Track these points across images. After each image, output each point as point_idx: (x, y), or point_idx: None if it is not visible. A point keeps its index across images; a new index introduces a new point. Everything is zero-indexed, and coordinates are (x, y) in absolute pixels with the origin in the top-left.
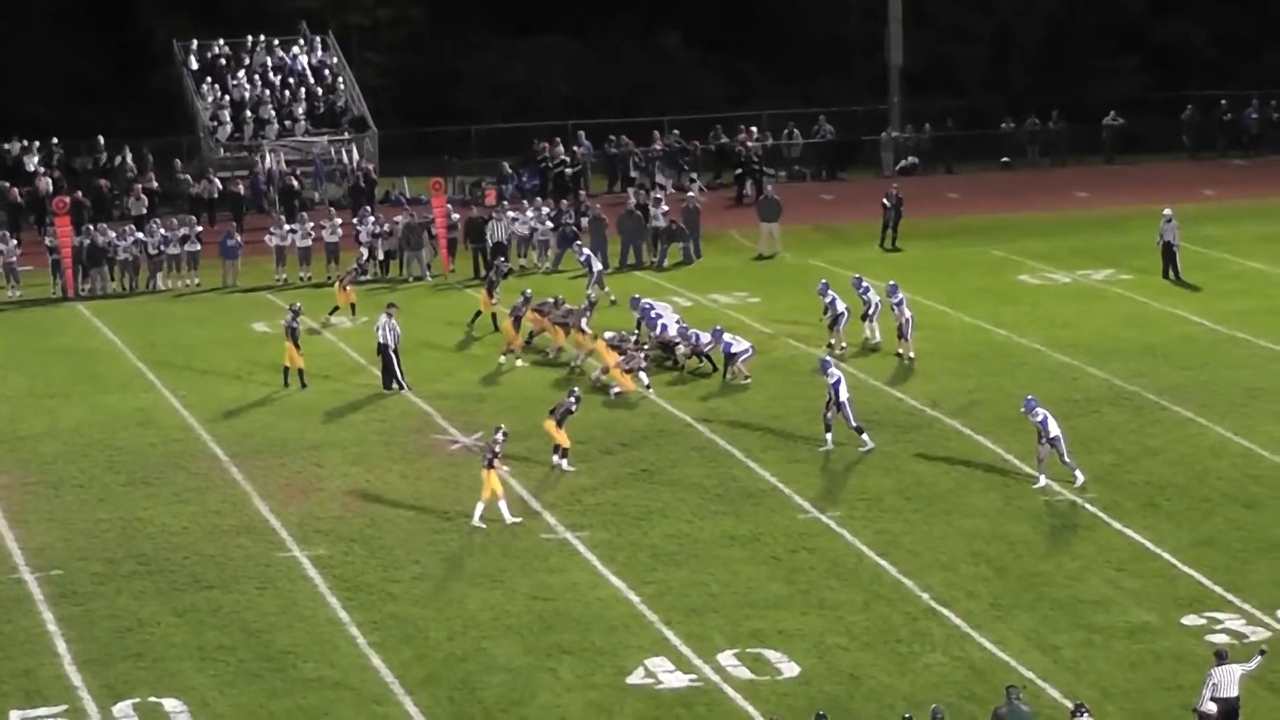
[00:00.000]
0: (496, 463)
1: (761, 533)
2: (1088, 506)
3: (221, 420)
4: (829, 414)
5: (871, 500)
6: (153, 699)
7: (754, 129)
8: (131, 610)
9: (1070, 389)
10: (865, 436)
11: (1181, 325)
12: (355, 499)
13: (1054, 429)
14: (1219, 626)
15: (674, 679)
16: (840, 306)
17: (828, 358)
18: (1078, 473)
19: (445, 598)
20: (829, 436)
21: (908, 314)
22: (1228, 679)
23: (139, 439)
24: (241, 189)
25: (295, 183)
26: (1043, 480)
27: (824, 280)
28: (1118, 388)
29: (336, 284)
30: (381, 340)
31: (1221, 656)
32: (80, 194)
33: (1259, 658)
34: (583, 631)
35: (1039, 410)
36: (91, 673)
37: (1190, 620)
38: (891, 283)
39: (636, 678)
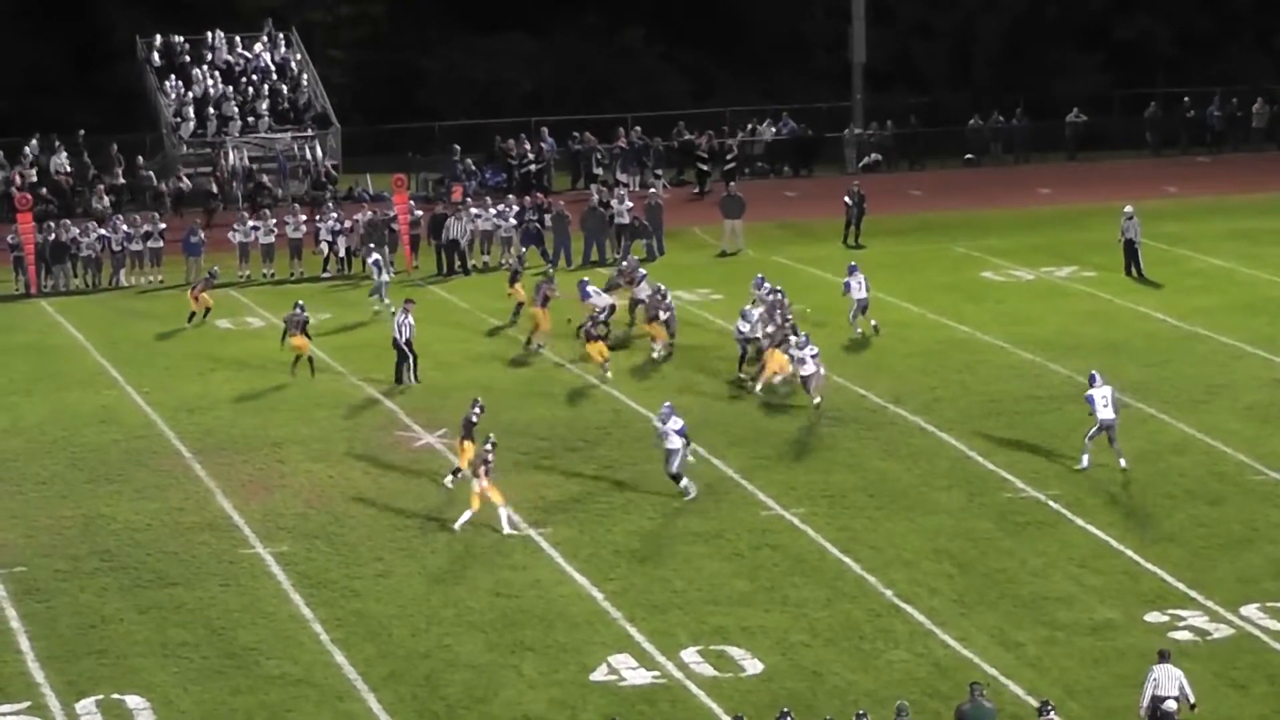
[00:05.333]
0: (483, 473)
1: (725, 529)
2: (1051, 504)
3: (184, 417)
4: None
5: (834, 497)
6: (116, 696)
7: (710, 132)
8: (94, 607)
9: (1033, 386)
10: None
11: (1144, 322)
12: (318, 496)
13: (1103, 412)
14: (1182, 623)
15: (637, 676)
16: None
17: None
18: (1121, 460)
19: (408, 595)
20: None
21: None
22: (1166, 678)
23: (102, 436)
24: (214, 186)
25: (265, 178)
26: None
27: (760, 274)
28: (1080, 385)
29: (189, 291)
30: (396, 335)
31: (1164, 655)
32: (44, 190)
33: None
34: (546, 629)
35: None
36: (54, 669)
37: (1153, 617)
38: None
39: (600, 675)
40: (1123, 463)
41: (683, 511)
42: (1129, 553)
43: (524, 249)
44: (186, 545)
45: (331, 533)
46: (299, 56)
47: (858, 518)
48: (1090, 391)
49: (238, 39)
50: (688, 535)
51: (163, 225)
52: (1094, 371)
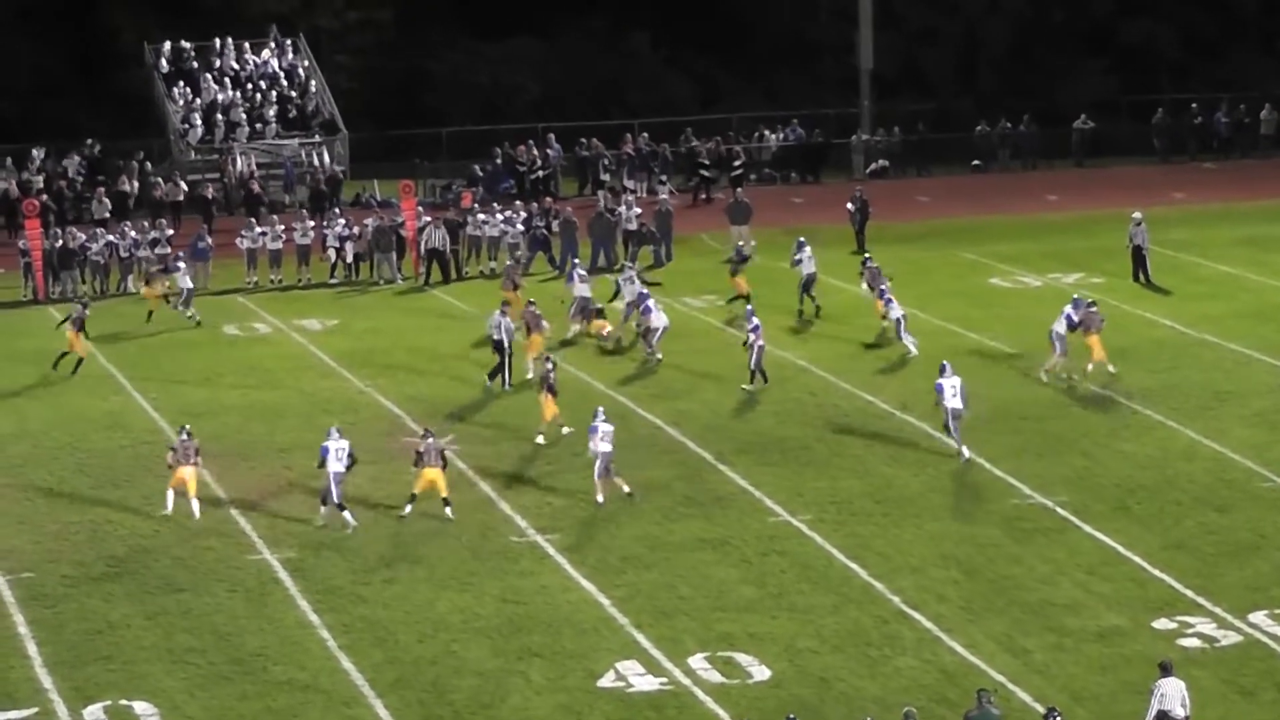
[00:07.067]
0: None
1: (732, 536)
2: (1058, 510)
3: (191, 422)
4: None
5: (842, 503)
6: (123, 702)
7: (718, 138)
8: (102, 613)
9: (1041, 392)
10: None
11: (1151, 329)
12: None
13: (951, 401)
14: (1190, 630)
15: (644, 682)
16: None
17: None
18: (965, 450)
19: (415, 601)
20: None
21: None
22: (1172, 691)
23: (109, 441)
24: (211, 192)
25: (258, 186)
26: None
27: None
28: (1089, 391)
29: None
30: (496, 337)
31: (1166, 668)
32: (47, 197)
33: None
34: (553, 634)
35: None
36: (62, 675)
37: (1161, 624)
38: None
39: (607, 681)
40: (965, 453)
41: (689, 517)
42: (1136, 559)
43: (530, 254)
44: (194, 551)
45: (338, 539)
46: (306, 62)
47: (865, 524)
48: (940, 380)
49: (246, 45)
50: (695, 542)
51: (170, 232)
52: (944, 361)
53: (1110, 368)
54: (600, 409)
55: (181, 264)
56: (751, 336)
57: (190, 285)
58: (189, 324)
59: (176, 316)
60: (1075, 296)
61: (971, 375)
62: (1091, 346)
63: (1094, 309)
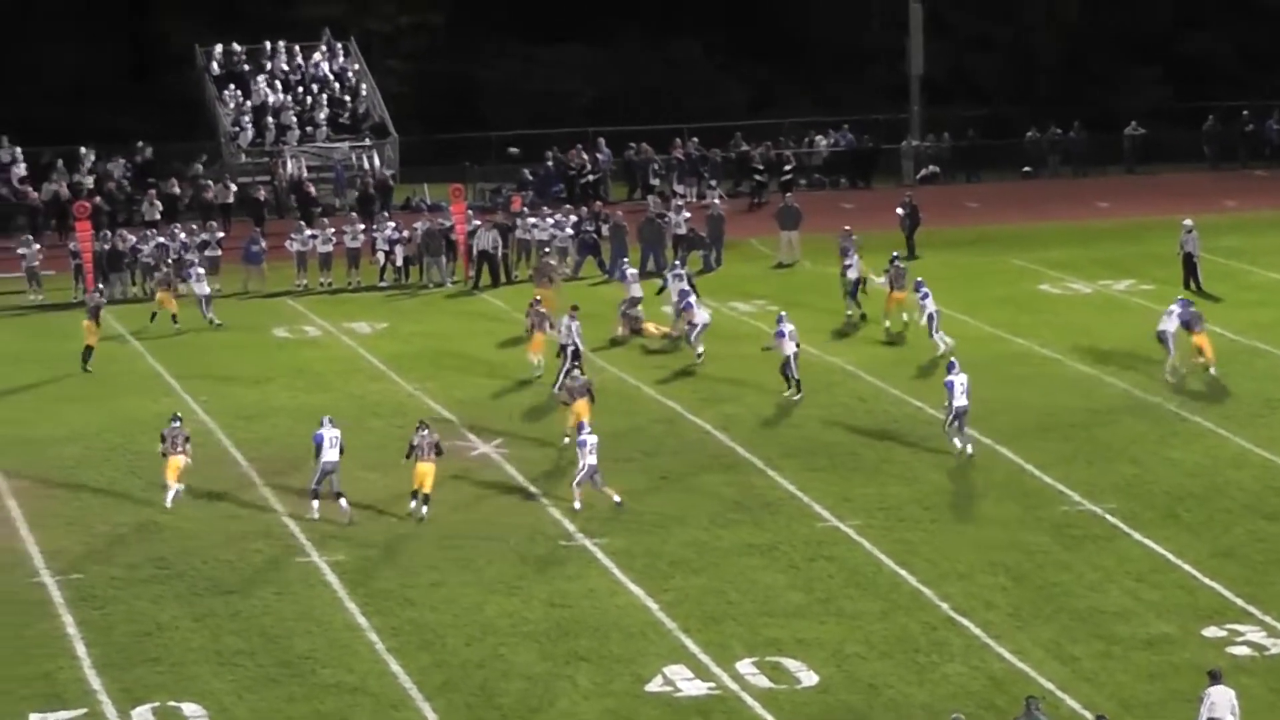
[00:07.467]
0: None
1: (780, 541)
2: (1107, 517)
3: (241, 425)
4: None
5: (890, 509)
6: (172, 703)
7: (768, 143)
8: (150, 614)
9: (1090, 399)
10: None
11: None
12: (373, 504)
13: (959, 399)
14: (1239, 639)
15: (692, 687)
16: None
17: None
18: (968, 447)
19: (463, 604)
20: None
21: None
22: (1221, 700)
23: (158, 443)
24: (262, 194)
25: (312, 189)
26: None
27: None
28: (1138, 399)
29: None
30: (564, 341)
31: (1215, 676)
32: (99, 199)
33: None
34: (601, 639)
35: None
36: (111, 676)
37: (1210, 632)
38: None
39: (655, 685)
40: (969, 449)
41: (737, 522)
42: (1186, 567)
43: (580, 259)
44: (241, 553)
45: (386, 541)
46: (357, 66)
47: (913, 530)
48: (949, 378)
49: (296, 48)
50: (742, 547)
51: (220, 234)
52: (953, 359)
53: (1213, 369)
54: (585, 423)
55: (199, 269)
56: (777, 342)
57: (207, 291)
58: (213, 328)
59: (233, 318)
60: (1180, 297)
61: (1020, 382)
62: (1200, 345)
63: (1194, 308)
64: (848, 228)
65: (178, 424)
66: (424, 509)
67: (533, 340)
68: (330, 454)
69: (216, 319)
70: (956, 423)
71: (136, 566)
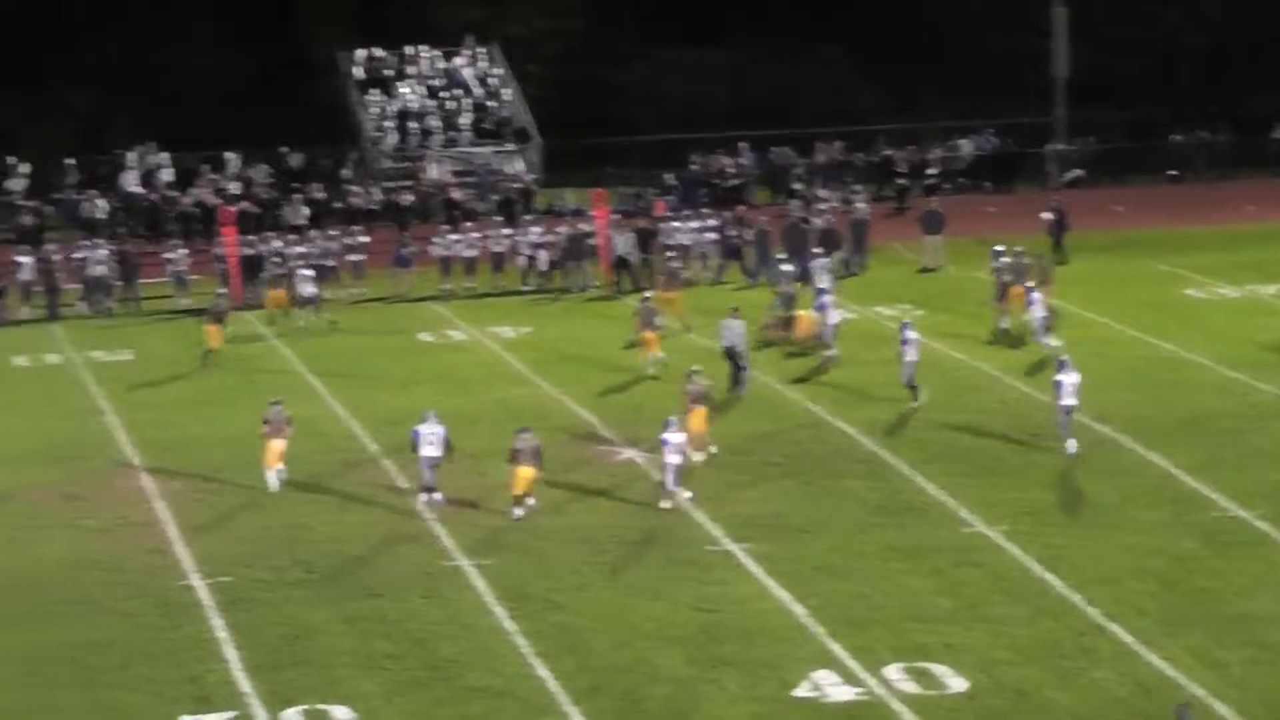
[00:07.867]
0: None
1: (925, 546)
2: (1257, 523)
3: (386, 429)
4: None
5: (1036, 514)
6: (321, 706)
7: (911, 147)
8: (298, 617)
9: (1240, 404)
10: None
11: None
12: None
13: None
14: None
15: (840, 692)
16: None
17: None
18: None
19: (608, 608)
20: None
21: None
22: None
23: (304, 447)
24: (408, 199)
25: (458, 193)
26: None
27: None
28: None
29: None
30: (726, 344)
31: None
32: (247, 204)
33: None
34: (747, 644)
35: None
36: (260, 679)
37: None
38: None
39: (802, 691)
40: (1072, 446)
41: (882, 527)
42: None
43: (723, 263)
44: (389, 557)
45: (532, 546)
46: (500, 71)
47: (1059, 535)
48: (1058, 377)
49: (439, 53)
50: (888, 551)
51: (365, 238)
52: (1063, 357)
53: None
54: (672, 419)
55: (306, 271)
56: (902, 350)
57: (315, 291)
58: (330, 328)
59: (379, 323)
60: None
61: (1168, 387)
62: None
63: None
64: (1005, 259)
65: (279, 407)
66: (517, 510)
67: (643, 337)
68: (426, 450)
69: (331, 316)
70: (1063, 420)
71: (284, 569)
